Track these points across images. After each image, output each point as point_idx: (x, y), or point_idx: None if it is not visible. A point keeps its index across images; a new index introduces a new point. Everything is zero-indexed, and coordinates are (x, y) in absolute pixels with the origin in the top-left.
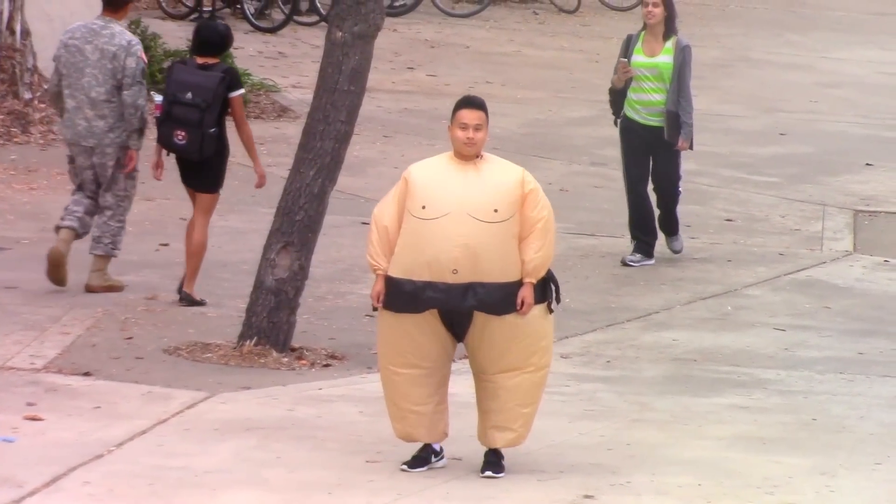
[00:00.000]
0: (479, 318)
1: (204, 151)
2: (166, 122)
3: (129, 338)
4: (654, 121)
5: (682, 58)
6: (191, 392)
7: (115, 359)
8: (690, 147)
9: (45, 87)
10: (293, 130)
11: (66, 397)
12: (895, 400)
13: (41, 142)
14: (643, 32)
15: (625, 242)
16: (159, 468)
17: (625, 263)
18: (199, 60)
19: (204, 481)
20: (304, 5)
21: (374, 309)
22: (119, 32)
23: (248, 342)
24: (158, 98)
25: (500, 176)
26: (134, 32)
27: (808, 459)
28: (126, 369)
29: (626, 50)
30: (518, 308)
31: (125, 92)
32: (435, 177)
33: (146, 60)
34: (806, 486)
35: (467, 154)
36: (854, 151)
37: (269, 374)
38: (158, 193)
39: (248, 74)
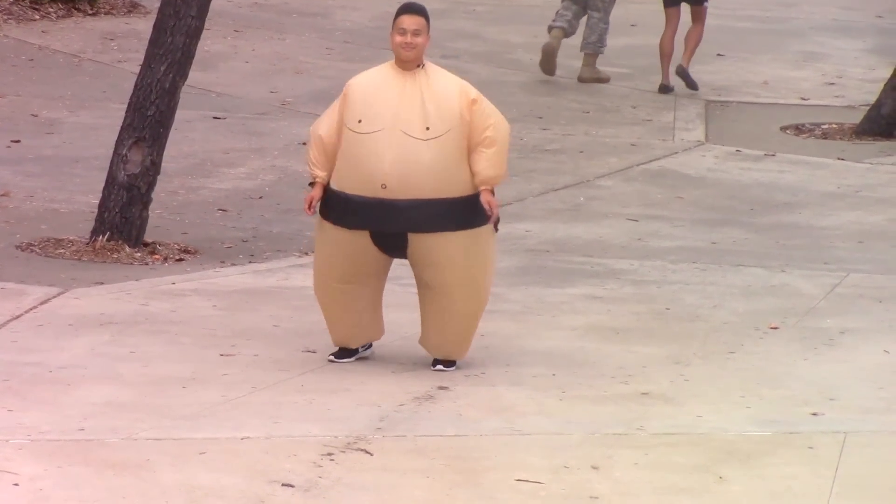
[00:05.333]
0: (413, 236)
1: None
2: None
3: None
4: None
5: None
6: (44, 288)
7: None
8: None
9: None
10: (144, 26)
11: None
12: (748, 289)
13: None
14: None
15: None
16: (13, 364)
17: None
18: None
19: (58, 377)
20: None
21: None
22: None
23: (100, 238)
24: None
25: (437, 90)
26: None
27: (662, 349)
28: None
29: None
30: (489, 212)
31: None
32: (372, 90)
33: None
34: (660, 376)
35: (405, 59)
36: (705, 41)
37: (122, 269)
38: (10, 90)
39: None
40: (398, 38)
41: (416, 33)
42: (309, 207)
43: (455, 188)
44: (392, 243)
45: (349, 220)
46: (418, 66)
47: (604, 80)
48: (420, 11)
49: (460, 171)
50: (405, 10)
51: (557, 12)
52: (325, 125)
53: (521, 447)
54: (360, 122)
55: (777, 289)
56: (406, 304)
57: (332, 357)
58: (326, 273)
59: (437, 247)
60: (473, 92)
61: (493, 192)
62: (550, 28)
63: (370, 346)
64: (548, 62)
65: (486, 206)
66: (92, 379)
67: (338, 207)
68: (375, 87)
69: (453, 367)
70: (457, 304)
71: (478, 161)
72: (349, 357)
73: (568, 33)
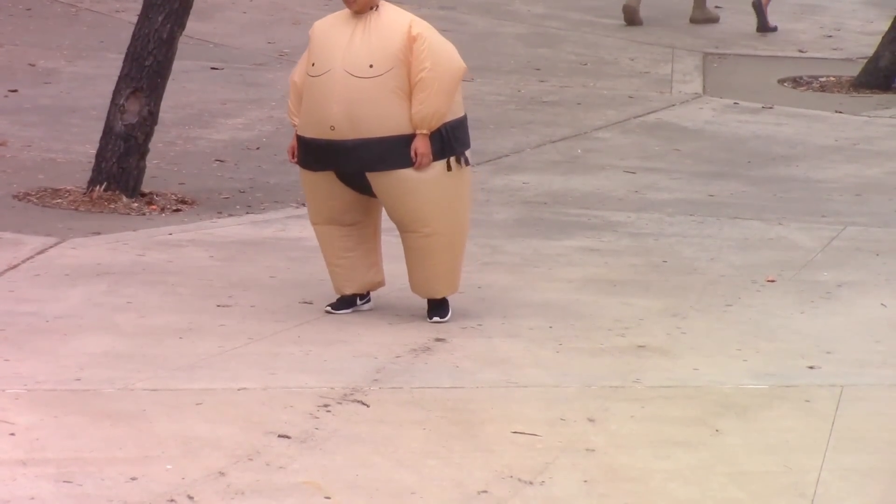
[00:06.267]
0: (371, 175)
1: None
2: None
3: None
4: None
5: None
6: (41, 238)
7: None
8: None
9: None
10: None
11: None
12: (745, 242)
13: None
14: None
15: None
16: (10, 314)
17: None
18: None
19: (55, 326)
20: None
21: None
22: None
23: (98, 187)
24: None
25: (385, 28)
26: None
27: (659, 301)
28: None
29: None
30: (413, 158)
31: None
32: (326, 33)
33: None
34: (657, 328)
35: (352, 10)
36: None
37: (119, 220)
38: (7, 40)
39: None
40: None
41: None
42: (292, 156)
43: (402, 126)
44: (357, 183)
45: (310, 164)
46: (371, 8)
47: (713, 19)
48: None
49: (406, 108)
50: None
51: None
52: (298, 72)
53: (517, 399)
54: (313, 65)
55: (774, 242)
56: (402, 255)
57: (328, 308)
58: (315, 217)
59: (395, 184)
60: (417, 28)
61: (429, 137)
62: None
63: (368, 299)
64: (631, 20)
65: (412, 152)
66: (88, 329)
67: (301, 152)
68: (329, 30)
69: (448, 318)
70: (430, 238)
71: (413, 104)
72: (346, 308)
73: None
